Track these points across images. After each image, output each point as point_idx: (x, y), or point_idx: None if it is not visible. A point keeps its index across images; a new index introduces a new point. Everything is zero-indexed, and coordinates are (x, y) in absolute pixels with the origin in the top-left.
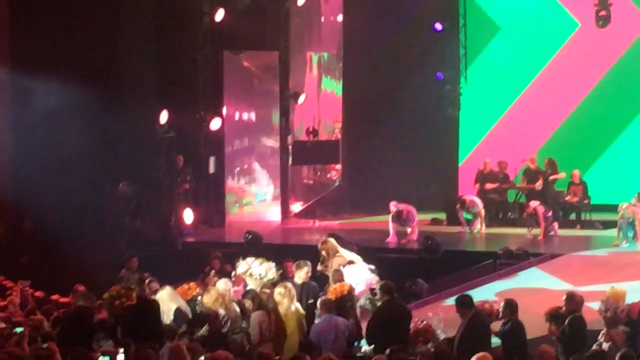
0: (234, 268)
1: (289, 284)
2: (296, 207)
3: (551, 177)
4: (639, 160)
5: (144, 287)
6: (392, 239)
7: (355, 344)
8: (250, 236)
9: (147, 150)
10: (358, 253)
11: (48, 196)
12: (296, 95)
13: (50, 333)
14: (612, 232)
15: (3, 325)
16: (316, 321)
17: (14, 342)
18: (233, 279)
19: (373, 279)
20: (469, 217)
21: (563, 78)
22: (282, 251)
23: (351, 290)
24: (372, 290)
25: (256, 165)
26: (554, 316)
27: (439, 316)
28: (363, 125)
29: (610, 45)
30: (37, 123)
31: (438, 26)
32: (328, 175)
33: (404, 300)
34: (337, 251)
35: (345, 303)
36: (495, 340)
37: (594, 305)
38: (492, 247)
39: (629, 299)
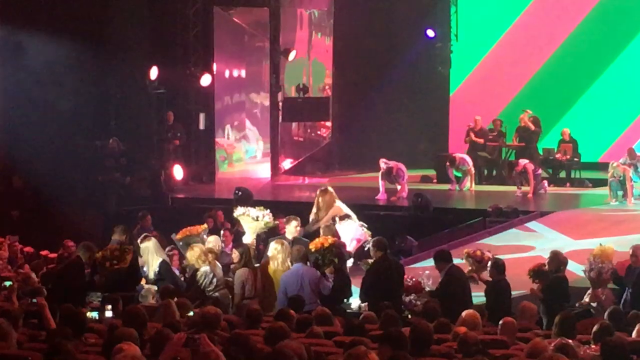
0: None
1: (285, 242)
2: (286, 164)
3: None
4: (612, 110)
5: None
6: (381, 196)
7: (345, 300)
8: (240, 193)
9: (137, 106)
10: None
11: (38, 152)
12: (287, 52)
13: (39, 288)
14: (602, 191)
15: None
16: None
17: (2, 297)
18: (223, 238)
19: (366, 235)
20: (459, 174)
21: (536, 31)
22: (273, 208)
23: (336, 244)
24: (363, 248)
25: (247, 122)
26: (537, 273)
27: (427, 273)
28: (353, 83)
29: None
30: (28, 80)
31: None
32: (318, 132)
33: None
34: (334, 203)
35: (325, 255)
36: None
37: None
38: (482, 204)
39: (619, 255)
